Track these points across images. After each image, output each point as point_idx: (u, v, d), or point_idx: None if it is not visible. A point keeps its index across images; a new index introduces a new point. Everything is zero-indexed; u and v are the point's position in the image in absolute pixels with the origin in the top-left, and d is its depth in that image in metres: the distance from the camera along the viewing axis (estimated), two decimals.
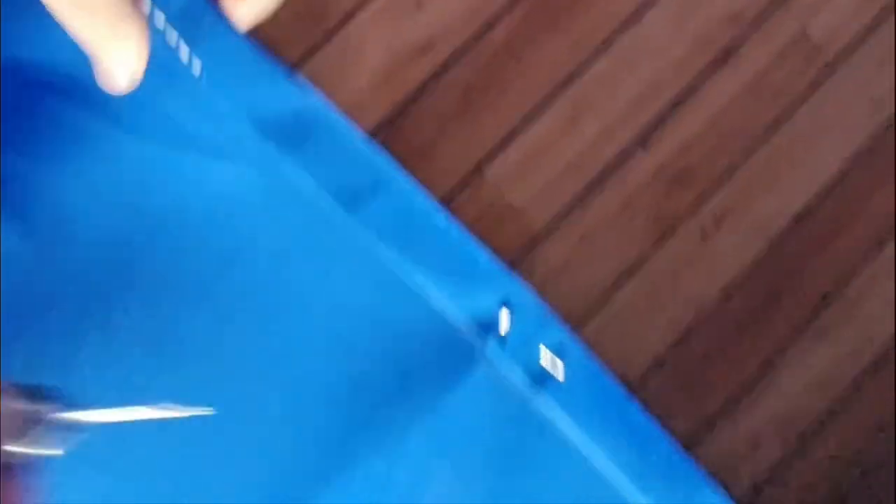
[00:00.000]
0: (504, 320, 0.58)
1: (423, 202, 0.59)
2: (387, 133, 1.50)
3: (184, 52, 0.50)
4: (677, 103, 1.59)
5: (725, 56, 1.60)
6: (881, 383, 1.66)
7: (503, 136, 1.54)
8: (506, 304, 0.58)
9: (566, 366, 0.61)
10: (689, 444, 1.60)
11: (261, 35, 1.44)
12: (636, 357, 1.60)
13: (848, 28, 1.64)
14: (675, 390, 1.61)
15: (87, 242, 0.46)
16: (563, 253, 1.57)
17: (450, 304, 0.58)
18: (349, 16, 1.48)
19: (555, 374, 0.60)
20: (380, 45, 1.50)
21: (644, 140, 1.58)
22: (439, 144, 1.52)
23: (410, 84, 1.51)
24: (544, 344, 0.62)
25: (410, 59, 1.51)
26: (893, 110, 1.65)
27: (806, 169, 1.63)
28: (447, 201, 1.52)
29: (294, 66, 1.45)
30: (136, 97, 0.44)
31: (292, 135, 0.57)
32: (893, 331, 1.64)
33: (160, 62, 0.46)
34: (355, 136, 0.59)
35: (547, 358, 0.60)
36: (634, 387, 1.60)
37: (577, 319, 1.58)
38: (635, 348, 1.60)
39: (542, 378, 0.61)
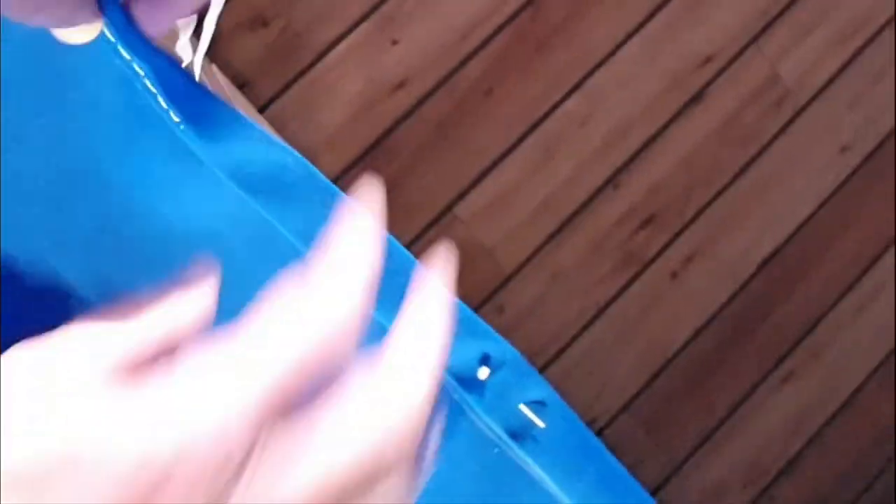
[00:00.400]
0: (483, 374, 0.59)
1: (400, 253, 0.60)
2: (360, 168, 1.50)
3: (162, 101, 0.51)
4: (648, 143, 1.61)
5: (697, 97, 1.62)
6: (848, 428, 1.69)
7: (475, 175, 1.55)
8: (485, 357, 0.59)
9: (544, 418, 0.62)
10: (658, 490, 1.62)
11: (236, 69, 1.45)
12: (605, 398, 1.61)
13: (818, 71, 1.67)
14: (644, 433, 1.62)
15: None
16: (534, 292, 1.58)
17: None
18: (324, 52, 1.49)
19: (533, 426, 0.61)
20: (355, 80, 1.50)
21: (615, 180, 1.60)
22: (412, 181, 1.53)
23: (384, 120, 1.51)
24: (523, 399, 0.63)
25: (385, 94, 1.51)
26: (860, 155, 1.69)
27: (774, 211, 1.66)
28: (418, 238, 1.52)
29: (269, 101, 1.45)
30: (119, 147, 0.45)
31: (263, 183, 0.58)
32: (861, 377, 1.69)
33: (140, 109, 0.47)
34: (321, 185, 0.60)
35: (526, 411, 0.61)
36: (603, 429, 1.61)
37: (546, 358, 1.59)
38: (604, 389, 1.61)
39: (520, 430, 0.61)
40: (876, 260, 1.69)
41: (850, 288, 1.68)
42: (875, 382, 1.68)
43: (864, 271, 1.69)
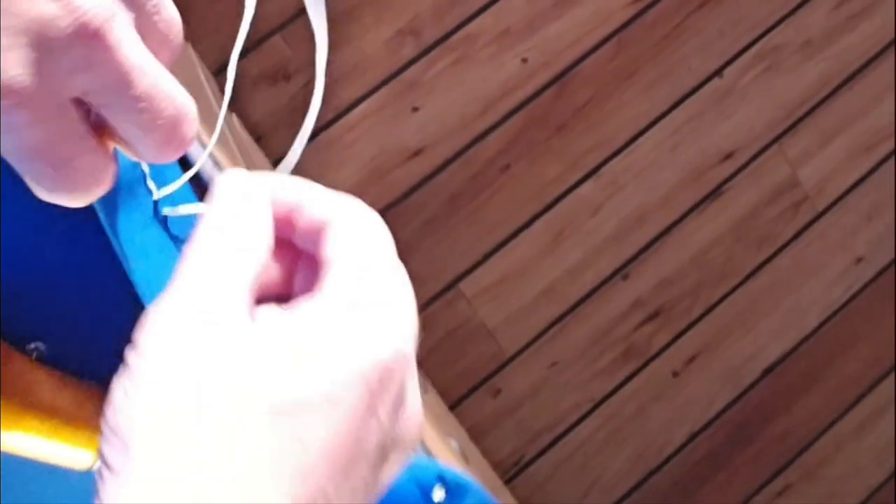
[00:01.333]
0: (438, 495, 0.60)
1: None
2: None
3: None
4: (661, 235, 1.62)
5: (714, 192, 1.64)
6: None
7: (484, 252, 1.56)
8: (441, 477, 0.60)
9: None
10: None
11: (254, 121, 1.48)
12: (593, 496, 1.60)
13: (839, 178, 1.69)
14: None
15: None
16: (531, 379, 1.58)
17: None
18: (344, 111, 1.51)
19: None
20: (372, 143, 1.52)
21: (624, 270, 1.61)
22: (419, 251, 1.54)
23: (397, 186, 1.53)
24: None
25: (400, 161, 1.53)
26: (874, 267, 1.70)
27: (782, 318, 1.67)
28: (421, 310, 1.53)
29: (282, 158, 1.46)
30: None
31: None
32: (859, 499, 1.67)
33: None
34: None
35: None
36: None
37: (537, 449, 1.58)
38: (593, 487, 1.60)
39: None
40: (882, 378, 1.69)
41: (853, 405, 1.68)
42: None
43: (869, 389, 1.69)
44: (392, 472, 0.34)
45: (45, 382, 0.44)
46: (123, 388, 0.31)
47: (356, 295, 0.34)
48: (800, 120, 1.68)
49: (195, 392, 0.30)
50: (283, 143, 1.47)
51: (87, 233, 0.45)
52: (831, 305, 1.69)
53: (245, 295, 0.33)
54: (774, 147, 1.67)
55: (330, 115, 1.50)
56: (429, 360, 1.53)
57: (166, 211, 0.47)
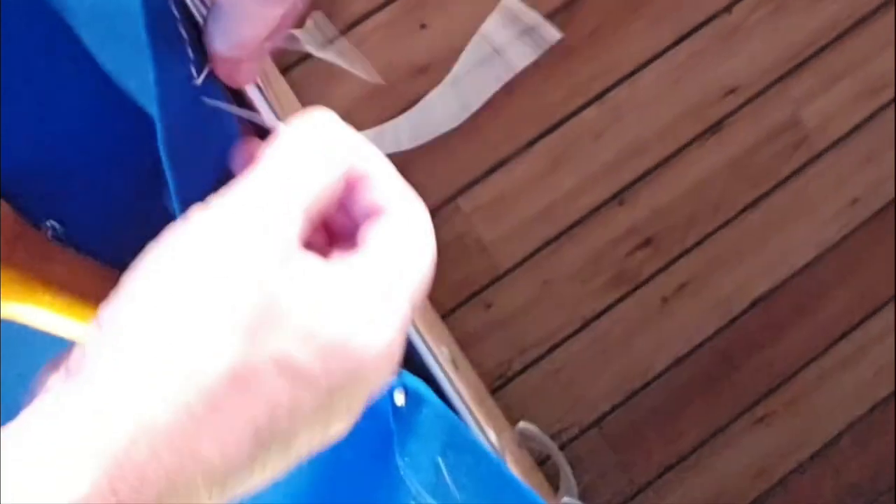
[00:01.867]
0: (400, 398, 0.62)
1: None
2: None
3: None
4: (659, 165, 1.65)
5: (715, 127, 1.67)
6: (813, 480, 1.72)
7: (484, 170, 1.60)
8: (402, 384, 0.62)
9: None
10: None
11: None
12: (576, 412, 1.66)
13: (840, 120, 1.71)
14: (610, 452, 1.66)
15: None
16: (523, 295, 1.62)
17: None
18: (352, 24, 1.54)
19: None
20: (378, 58, 1.54)
21: (621, 196, 1.64)
22: (420, 165, 1.57)
23: (402, 101, 1.56)
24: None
25: (407, 76, 1.56)
26: (871, 208, 1.74)
27: (774, 253, 1.70)
28: None
29: (292, 65, 1.51)
30: None
31: None
32: (835, 431, 1.72)
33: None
34: None
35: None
36: (570, 441, 1.65)
37: (525, 363, 1.64)
38: (577, 403, 1.66)
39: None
40: (868, 317, 1.73)
41: (837, 340, 1.72)
42: (849, 438, 1.72)
43: (855, 326, 1.73)
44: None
45: (58, 259, 0.45)
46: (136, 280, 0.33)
47: (376, 285, 0.35)
48: (805, 61, 1.70)
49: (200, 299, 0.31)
50: (291, 53, 1.49)
51: (107, 115, 0.46)
52: (824, 243, 1.73)
53: (299, 223, 0.34)
54: (778, 86, 1.69)
55: (339, 28, 1.53)
56: None
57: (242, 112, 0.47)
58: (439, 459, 0.61)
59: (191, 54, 0.46)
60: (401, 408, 0.58)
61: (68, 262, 0.46)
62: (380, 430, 0.59)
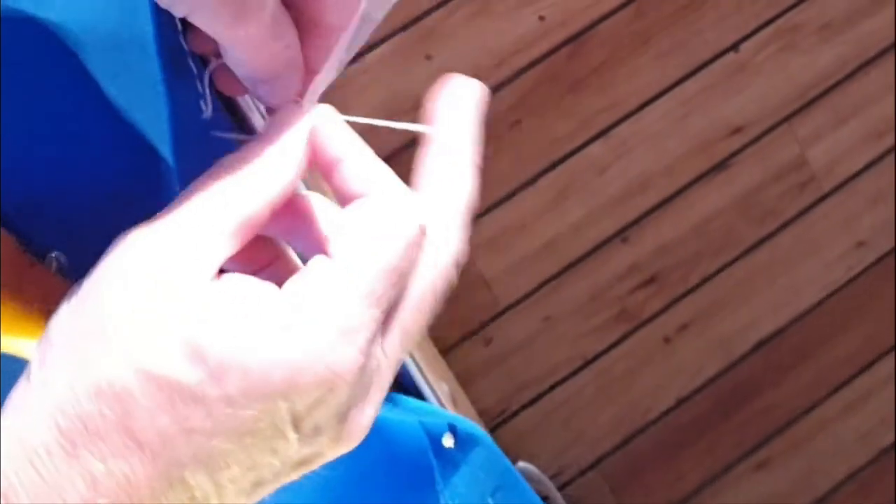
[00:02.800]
0: (448, 441, 0.62)
1: None
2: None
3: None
4: (664, 202, 1.66)
5: (721, 165, 1.67)
6: None
7: (488, 203, 1.60)
8: (451, 426, 0.62)
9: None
10: None
11: None
12: (576, 451, 1.65)
13: (847, 161, 1.72)
14: (609, 493, 1.65)
15: None
16: (524, 331, 1.62)
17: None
18: (358, 54, 1.52)
19: None
20: (383, 88, 1.55)
21: (625, 233, 1.64)
22: None
23: (405, 133, 1.55)
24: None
25: (410, 108, 1.56)
26: (877, 252, 1.73)
27: (779, 294, 1.70)
28: None
29: None
30: None
31: None
32: (839, 478, 1.71)
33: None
34: None
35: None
36: (569, 483, 1.64)
37: (524, 401, 1.63)
38: (576, 442, 1.65)
39: None
40: (873, 363, 1.72)
41: (841, 386, 1.71)
42: (853, 486, 1.71)
43: (860, 372, 1.72)
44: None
45: (62, 293, 0.42)
46: (69, 302, 0.33)
47: (332, 287, 0.33)
48: (812, 101, 1.71)
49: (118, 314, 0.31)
50: None
51: (113, 147, 0.45)
52: (829, 286, 1.72)
53: (225, 239, 0.33)
54: (785, 125, 1.70)
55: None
56: None
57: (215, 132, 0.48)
58: (489, 500, 0.61)
59: (200, 88, 0.46)
60: (449, 449, 0.58)
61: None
62: (417, 466, 0.58)
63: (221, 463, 0.31)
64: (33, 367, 0.32)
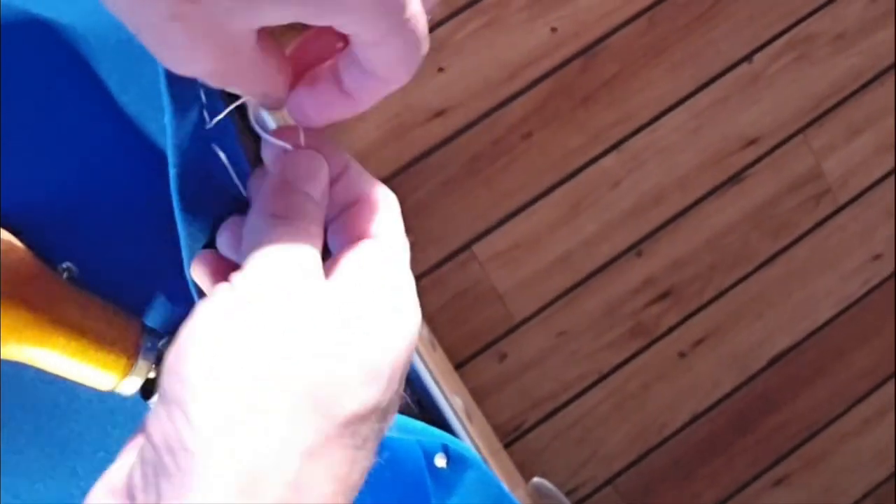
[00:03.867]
0: (441, 461, 0.62)
1: None
2: (388, 188, 1.54)
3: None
4: (679, 216, 1.66)
5: (735, 178, 1.67)
6: None
7: (501, 217, 1.60)
8: (444, 447, 0.63)
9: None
10: None
11: None
12: (591, 467, 1.65)
13: (863, 173, 1.72)
14: None
15: None
16: (538, 346, 1.62)
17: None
18: None
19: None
20: (395, 100, 1.55)
21: (639, 247, 1.64)
22: (436, 210, 1.57)
23: (418, 145, 1.57)
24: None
25: (423, 120, 1.57)
26: (894, 264, 1.73)
27: (795, 308, 1.70)
28: (432, 270, 1.57)
29: None
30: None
31: None
32: (857, 495, 1.70)
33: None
34: None
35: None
36: (584, 499, 1.64)
37: (539, 416, 1.63)
38: (592, 458, 1.64)
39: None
40: (891, 376, 1.72)
41: (859, 401, 1.71)
42: (871, 501, 1.71)
43: (877, 386, 1.72)
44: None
45: (74, 302, 0.45)
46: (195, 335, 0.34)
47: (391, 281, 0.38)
48: (827, 112, 1.71)
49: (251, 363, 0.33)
50: None
51: (125, 158, 0.47)
52: (845, 300, 1.72)
53: (310, 272, 0.36)
54: (799, 137, 1.70)
55: None
56: (438, 319, 1.57)
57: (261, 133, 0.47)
58: None
59: (203, 98, 0.47)
60: (442, 469, 0.58)
61: (83, 304, 0.46)
62: (415, 486, 0.59)
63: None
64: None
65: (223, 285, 0.35)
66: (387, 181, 1.53)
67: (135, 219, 0.47)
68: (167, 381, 0.33)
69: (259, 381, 0.32)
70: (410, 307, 0.37)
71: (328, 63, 0.39)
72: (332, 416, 0.33)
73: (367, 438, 0.34)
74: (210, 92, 0.47)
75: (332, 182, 0.41)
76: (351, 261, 0.38)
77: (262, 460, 0.31)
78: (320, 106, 0.39)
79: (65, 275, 0.47)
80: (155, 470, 0.32)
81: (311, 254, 0.36)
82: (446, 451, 0.59)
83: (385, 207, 0.41)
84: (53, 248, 0.47)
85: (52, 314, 0.44)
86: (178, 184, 0.43)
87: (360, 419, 0.34)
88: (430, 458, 0.59)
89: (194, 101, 0.46)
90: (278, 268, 0.35)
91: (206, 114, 0.47)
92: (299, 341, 0.33)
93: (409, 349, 0.36)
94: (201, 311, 0.34)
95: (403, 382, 0.37)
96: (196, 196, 0.45)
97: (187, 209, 0.44)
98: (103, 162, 0.46)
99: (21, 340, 0.44)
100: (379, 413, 0.35)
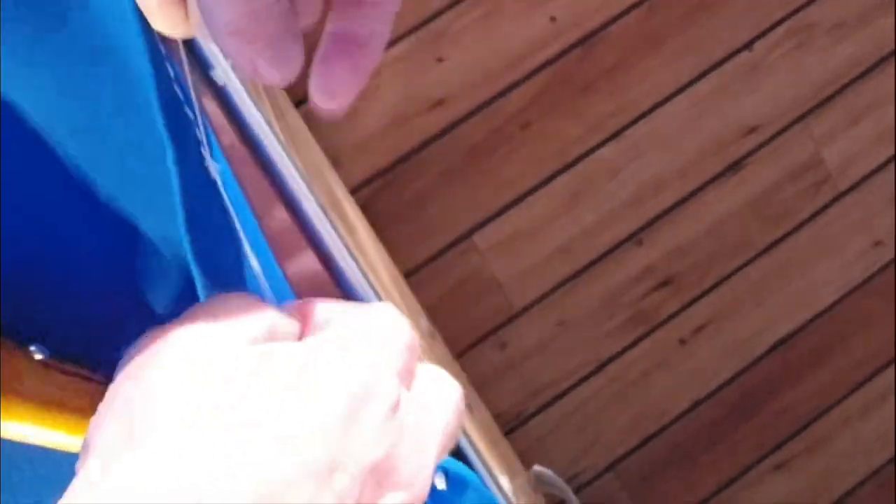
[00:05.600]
0: (440, 482, 0.62)
1: None
2: (385, 180, 1.57)
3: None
4: (679, 204, 1.67)
5: (735, 166, 1.68)
6: None
7: (500, 206, 1.61)
8: (444, 469, 0.63)
9: None
10: None
11: None
12: (592, 455, 1.66)
13: (863, 160, 1.73)
14: (626, 497, 1.67)
15: None
16: (538, 335, 1.63)
17: None
18: None
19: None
20: (395, 90, 1.57)
21: (639, 236, 1.66)
22: (436, 200, 1.59)
23: (418, 135, 1.58)
24: None
25: (422, 110, 1.59)
26: (894, 251, 1.74)
27: (796, 294, 1.71)
28: (432, 259, 1.59)
29: (305, 98, 1.51)
30: None
31: None
32: (857, 479, 1.72)
33: None
34: None
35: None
36: (585, 485, 1.66)
37: (539, 404, 1.64)
38: (593, 445, 1.66)
39: None
40: (890, 362, 1.74)
41: (860, 386, 1.72)
42: (872, 486, 1.72)
43: (878, 371, 1.73)
44: None
45: (48, 380, 0.44)
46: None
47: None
48: (828, 99, 1.72)
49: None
50: (304, 86, 1.52)
51: (94, 234, 0.45)
52: (845, 286, 1.74)
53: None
54: (800, 125, 1.71)
55: None
56: (438, 309, 1.59)
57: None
58: None
59: (200, 136, 0.47)
60: (442, 491, 0.59)
61: (57, 382, 0.45)
62: None
63: None
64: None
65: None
66: (387, 171, 1.57)
67: (106, 299, 0.46)
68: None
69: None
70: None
71: (320, 41, 0.39)
72: None
73: None
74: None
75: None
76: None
77: None
78: (343, 75, 0.38)
79: (34, 357, 0.45)
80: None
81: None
82: (445, 472, 0.59)
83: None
84: (20, 329, 0.44)
85: (32, 394, 0.43)
86: (191, 234, 0.43)
87: None
88: None
89: (194, 145, 0.46)
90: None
91: (203, 152, 0.47)
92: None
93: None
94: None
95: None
96: (206, 237, 0.45)
97: (200, 253, 0.44)
98: (70, 241, 0.45)
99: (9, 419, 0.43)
100: None
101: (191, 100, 0.47)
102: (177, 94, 0.46)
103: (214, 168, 0.48)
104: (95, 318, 0.42)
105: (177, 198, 0.43)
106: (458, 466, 0.62)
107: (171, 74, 0.47)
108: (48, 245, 0.44)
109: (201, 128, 0.48)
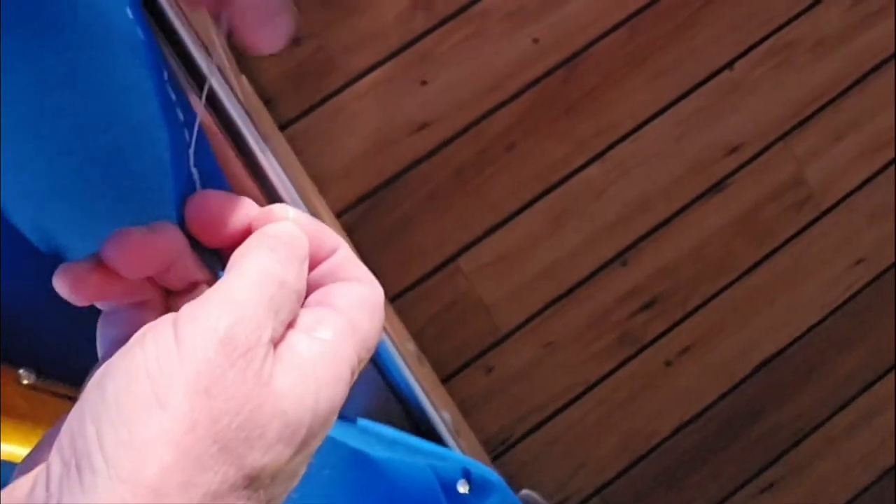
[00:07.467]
0: (463, 487, 0.62)
1: None
2: (370, 203, 1.57)
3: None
4: (663, 224, 1.68)
5: (718, 185, 1.69)
6: None
7: (485, 228, 1.62)
8: (465, 471, 0.62)
9: None
10: None
11: (263, 84, 1.54)
12: (579, 479, 1.66)
13: (845, 178, 1.74)
14: None
15: None
16: (525, 358, 1.64)
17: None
18: (353, 79, 1.56)
19: None
20: (379, 114, 1.57)
21: (624, 257, 1.67)
22: (420, 224, 1.59)
23: (402, 158, 1.59)
24: None
25: (407, 133, 1.59)
26: (876, 269, 1.75)
27: (779, 314, 1.72)
28: (417, 283, 1.59)
29: (291, 121, 1.53)
30: None
31: None
32: (844, 499, 1.73)
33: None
34: None
35: None
36: None
37: (526, 428, 1.64)
38: (580, 469, 1.66)
39: None
40: (876, 381, 1.75)
41: (845, 405, 1.73)
42: None
43: (862, 390, 1.74)
44: None
45: (24, 395, 0.46)
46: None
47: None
48: (809, 118, 1.73)
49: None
50: (290, 109, 1.53)
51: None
52: (829, 305, 1.75)
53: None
54: (781, 143, 1.72)
55: (339, 83, 1.55)
56: (424, 333, 1.58)
57: None
58: None
59: (188, 138, 0.48)
60: (465, 495, 0.59)
61: (46, 404, 0.47)
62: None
63: None
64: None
65: (166, 318, 0.35)
66: (371, 195, 1.57)
67: (84, 309, 0.45)
68: (88, 395, 0.33)
69: (174, 411, 0.32)
70: (345, 379, 0.37)
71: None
72: (239, 465, 0.32)
73: (268, 501, 0.34)
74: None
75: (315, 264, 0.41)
76: (312, 321, 0.38)
77: (162, 492, 0.31)
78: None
79: (24, 381, 0.48)
80: (60, 484, 0.32)
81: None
82: (467, 476, 0.59)
83: (356, 286, 0.41)
84: (11, 354, 0.47)
85: (5, 408, 0.45)
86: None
87: (267, 476, 0.33)
88: (449, 484, 0.59)
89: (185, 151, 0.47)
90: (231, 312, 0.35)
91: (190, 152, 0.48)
92: (223, 382, 0.33)
93: (331, 420, 0.36)
94: (144, 339, 0.34)
95: (312, 455, 0.36)
96: None
97: None
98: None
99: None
100: (285, 475, 0.34)
101: (184, 103, 0.49)
102: (170, 97, 0.48)
103: (196, 174, 0.49)
104: (83, 341, 0.43)
105: (173, 213, 0.44)
106: (481, 469, 0.62)
107: (165, 76, 0.47)
108: (35, 270, 0.44)
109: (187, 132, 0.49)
